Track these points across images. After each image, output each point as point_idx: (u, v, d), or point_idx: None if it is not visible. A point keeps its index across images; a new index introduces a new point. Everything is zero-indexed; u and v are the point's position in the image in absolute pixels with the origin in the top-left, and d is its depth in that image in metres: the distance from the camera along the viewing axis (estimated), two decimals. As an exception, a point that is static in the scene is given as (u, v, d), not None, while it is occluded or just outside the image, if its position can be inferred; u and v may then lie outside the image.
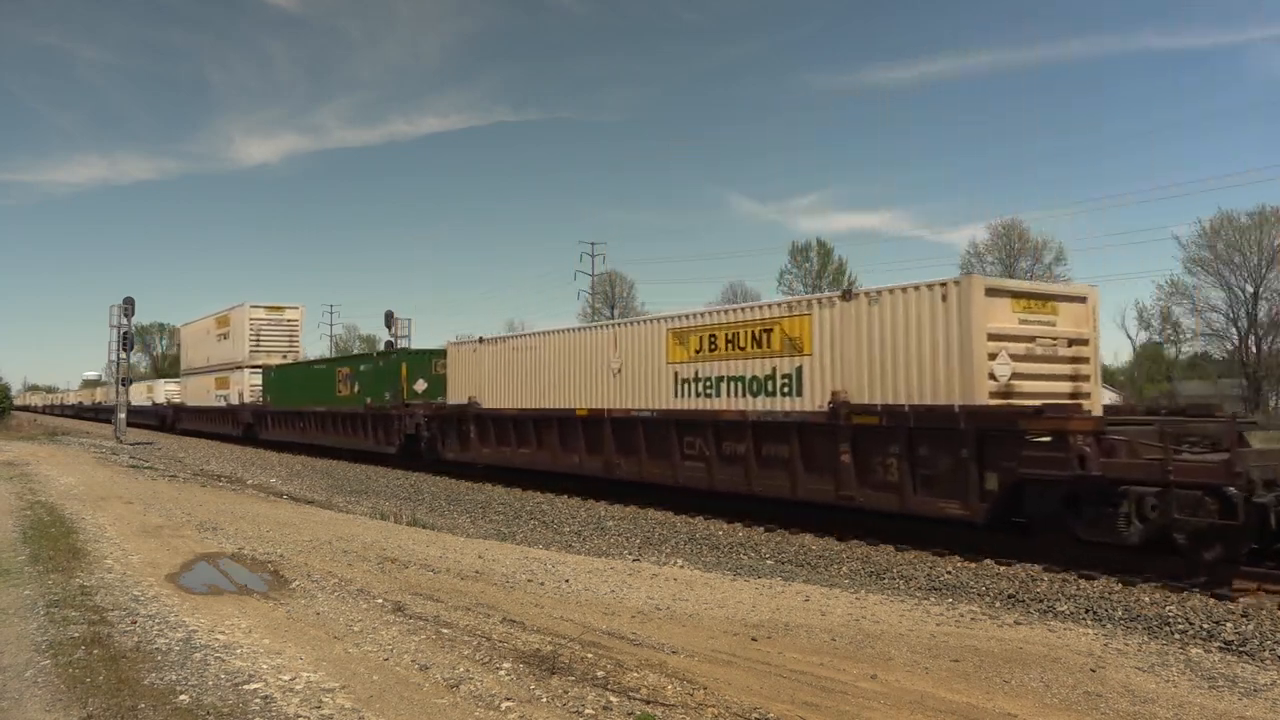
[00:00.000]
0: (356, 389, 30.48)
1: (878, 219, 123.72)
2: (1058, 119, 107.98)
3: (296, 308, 43.61)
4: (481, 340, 22.91)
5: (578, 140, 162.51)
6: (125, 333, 41.45)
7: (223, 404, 44.03)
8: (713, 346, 15.22)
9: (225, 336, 44.54)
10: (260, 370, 40.35)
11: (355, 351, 75.15)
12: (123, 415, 43.05)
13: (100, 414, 79.06)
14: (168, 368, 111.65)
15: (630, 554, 12.49)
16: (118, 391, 43.48)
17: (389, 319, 42.09)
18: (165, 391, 61.74)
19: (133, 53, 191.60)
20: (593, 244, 71.26)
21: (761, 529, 14.16)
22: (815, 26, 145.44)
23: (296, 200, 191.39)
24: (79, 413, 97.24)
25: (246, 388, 40.58)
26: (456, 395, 23.24)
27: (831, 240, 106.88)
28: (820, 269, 64.71)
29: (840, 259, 64.98)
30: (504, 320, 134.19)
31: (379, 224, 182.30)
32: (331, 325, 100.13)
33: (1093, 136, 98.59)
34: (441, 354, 26.07)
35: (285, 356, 41.19)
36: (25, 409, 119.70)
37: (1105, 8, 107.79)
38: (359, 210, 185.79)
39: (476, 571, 9.83)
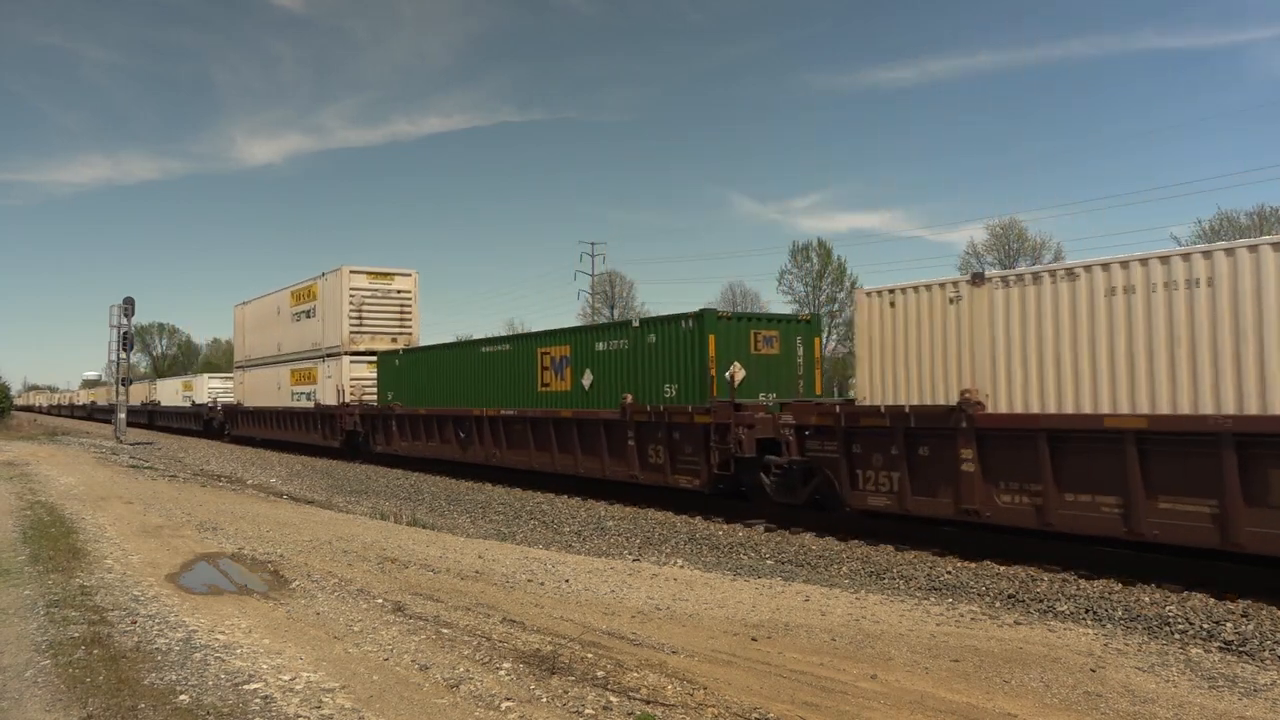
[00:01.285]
0: (587, 379, 18.39)
1: (878, 219, 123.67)
2: (1058, 119, 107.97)
3: (409, 274, 31.51)
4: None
5: (580, 140, 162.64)
6: (125, 333, 41.45)
7: (307, 405, 33.28)
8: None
9: (309, 315, 33.69)
10: (370, 358, 29.75)
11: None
12: (122, 415, 43.04)
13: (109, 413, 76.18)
14: (167, 368, 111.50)
15: (630, 554, 12.49)
16: (117, 391, 43.47)
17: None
18: (210, 389, 50.47)
19: (138, 53, 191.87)
20: (593, 244, 71.30)
21: (762, 529, 14.16)
22: (818, 27, 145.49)
23: (298, 200, 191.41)
24: (90, 413, 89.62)
25: (345, 382, 30.01)
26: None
27: (832, 240, 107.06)
28: (821, 269, 64.70)
29: (840, 259, 64.97)
30: (504, 320, 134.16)
31: (380, 224, 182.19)
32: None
33: (1093, 136, 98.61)
34: (767, 321, 17.13)
35: (395, 340, 30.61)
36: (28, 409, 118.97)
37: (1106, 8, 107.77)
38: (360, 210, 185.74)
39: (476, 571, 9.83)
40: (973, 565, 11.13)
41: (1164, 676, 6.34)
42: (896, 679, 6.07)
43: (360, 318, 30.63)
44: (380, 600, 8.17)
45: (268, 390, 37.86)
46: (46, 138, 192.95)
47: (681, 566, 11.12)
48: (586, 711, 5.22)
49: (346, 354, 30.44)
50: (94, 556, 10.30)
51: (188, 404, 53.78)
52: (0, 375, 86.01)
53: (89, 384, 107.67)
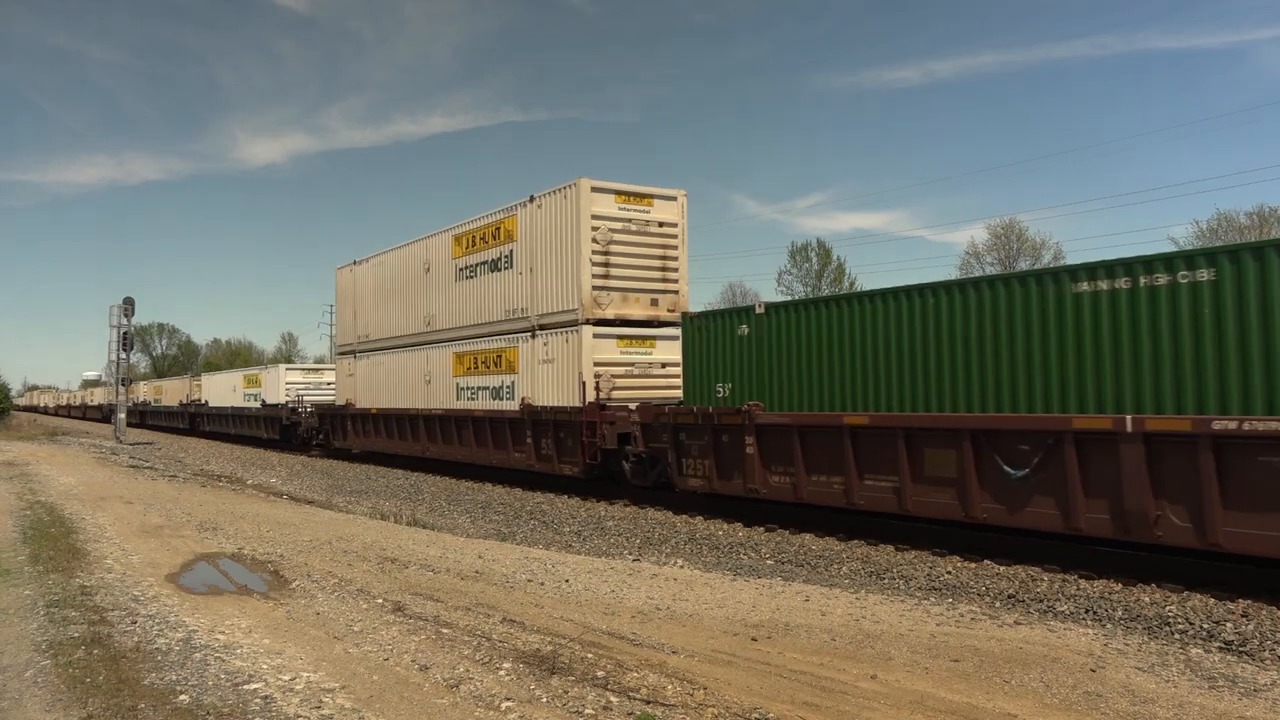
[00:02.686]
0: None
1: (880, 219, 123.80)
2: (1060, 119, 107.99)
3: (672, 196, 19.92)
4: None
5: (582, 140, 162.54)
6: (125, 333, 41.46)
7: (502, 406, 21.21)
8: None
9: (497, 266, 21.73)
10: (623, 330, 19.01)
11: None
12: (122, 415, 43.05)
13: (146, 417, 65.95)
14: (167, 368, 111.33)
15: (630, 554, 12.49)
16: (118, 391, 43.46)
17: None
18: (289, 385, 38.62)
19: (142, 53, 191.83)
20: (594, 244, 70.97)
21: (762, 529, 14.16)
22: (821, 27, 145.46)
23: (300, 200, 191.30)
24: (107, 415, 78.58)
25: (585, 367, 18.41)
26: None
27: (834, 240, 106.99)
28: (820, 269, 64.71)
29: (840, 259, 64.99)
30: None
31: (381, 223, 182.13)
32: (332, 325, 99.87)
33: (1093, 136, 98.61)
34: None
35: (655, 304, 19.37)
36: (31, 409, 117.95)
37: (1108, 8, 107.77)
38: (361, 209, 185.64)
39: (476, 571, 9.83)
40: (973, 565, 11.13)
41: (1164, 676, 6.34)
42: (896, 679, 6.06)
43: (606, 266, 18.58)
44: (380, 600, 8.17)
45: (405, 384, 25.83)
46: (51, 138, 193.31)
47: (681, 566, 11.12)
48: (586, 711, 5.22)
49: (589, 323, 18.40)
50: (94, 556, 10.30)
51: (251, 404, 41.97)
52: (0, 375, 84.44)
53: (89, 384, 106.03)
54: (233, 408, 44.96)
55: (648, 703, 5.39)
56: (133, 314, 41.57)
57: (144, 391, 70.52)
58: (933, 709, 5.44)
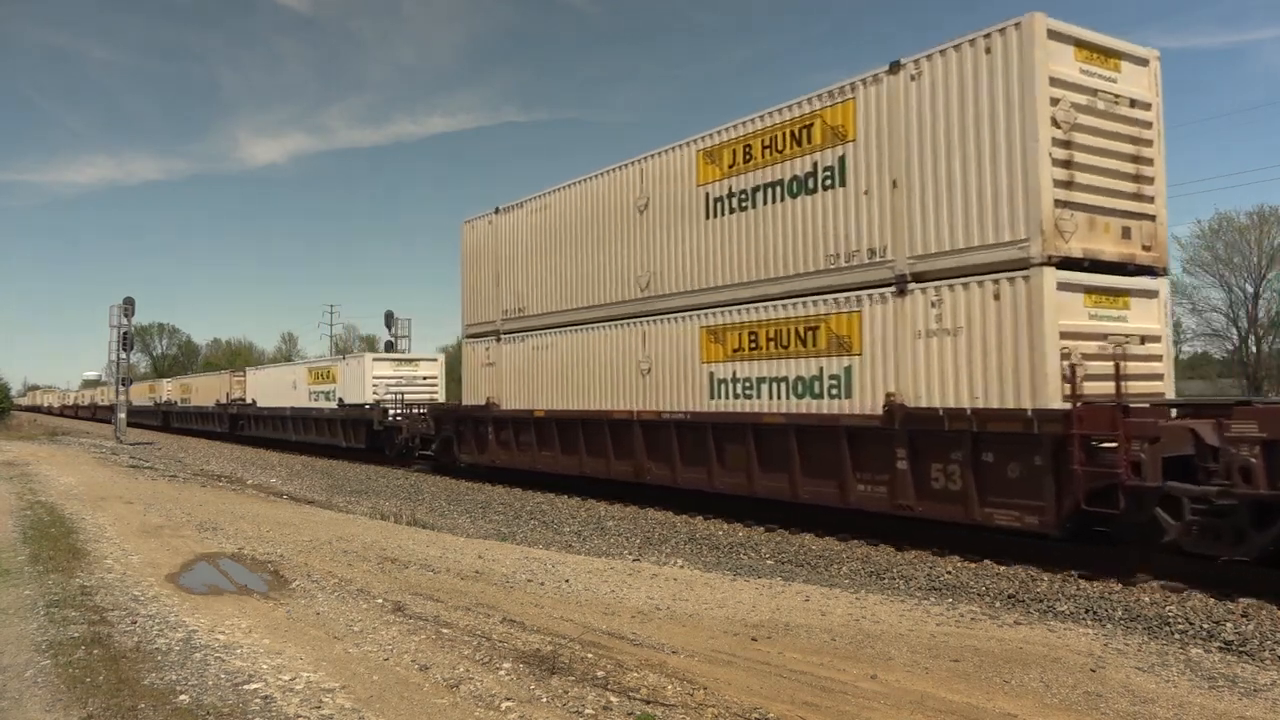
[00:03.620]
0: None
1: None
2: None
3: (1145, 60, 12.06)
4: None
5: (583, 140, 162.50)
6: (125, 333, 41.47)
7: (831, 408, 13.10)
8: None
9: (813, 182, 13.64)
10: (1149, 274, 11.83)
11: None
12: (123, 415, 43.06)
13: (171, 419, 58.39)
14: (168, 368, 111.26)
15: (630, 554, 12.49)
16: (117, 391, 43.47)
17: (389, 319, 42.17)
18: (378, 381, 30.73)
19: (143, 53, 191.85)
20: (595, 243, 70.84)
21: (761, 529, 14.16)
22: (822, 27, 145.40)
23: (301, 200, 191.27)
24: (149, 419, 70.70)
25: (1048, 341, 10.53)
26: None
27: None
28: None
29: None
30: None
31: (381, 223, 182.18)
32: (331, 325, 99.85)
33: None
34: None
35: (1128, 235, 11.69)
36: (34, 409, 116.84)
37: (1110, 8, 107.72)
38: (362, 209, 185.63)
39: (476, 571, 9.83)
40: (973, 565, 11.13)
41: (1164, 676, 6.34)
42: (896, 679, 6.06)
43: (1069, 168, 11.09)
44: (380, 600, 8.17)
45: (596, 376, 18.13)
46: (51, 138, 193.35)
47: (681, 566, 11.12)
48: (586, 711, 5.22)
49: (1050, 265, 10.71)
50: (94, 556, 10.30)
51: (322, 403, 34.06)
52: (0, 375, 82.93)
53: (89, 383, 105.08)
54: (294, 409, 36.31)
55: (648, 703, 5.39)
56: (133, 314, 41.59)
57: (168, 390, 61.84)
58: (933, 709, 5.44)
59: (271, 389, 40.62)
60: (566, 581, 9.36)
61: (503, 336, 21.34)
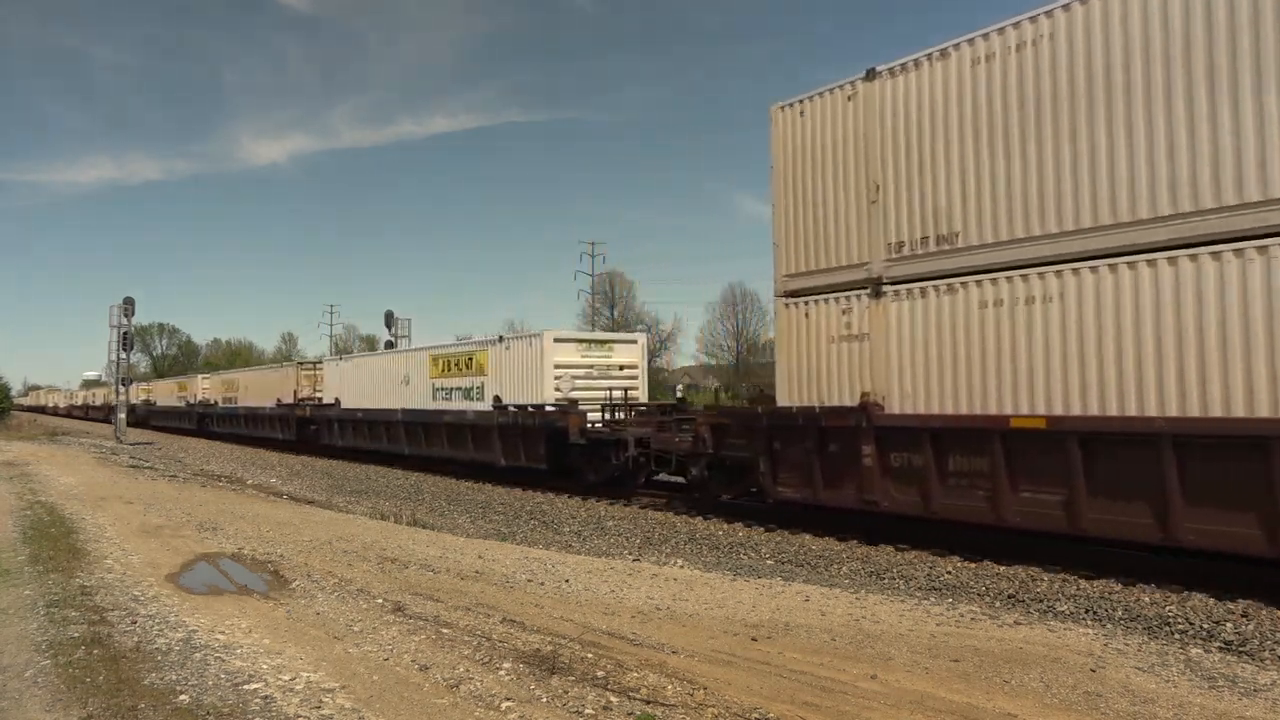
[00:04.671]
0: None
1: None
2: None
3: None
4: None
5: (584, 140, 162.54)
6: (125, 333, 41.49)
7: None
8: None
9: None
10: None
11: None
12: (123, 415, 43.07)
13: (210, 423, 49.58)
14: (168, 368, 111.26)
15: (630, 554, 12.49)
16: (117, 391, 43.49)
17: (389, 319, 42.20)
18: (563, 372, 21.39)
19: (146, 53, 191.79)
20: (592, 244, 70.96)
21: (761, 529, 14.16)
22: (823, 28, 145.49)
23: (302, 200, 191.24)
24: (143, 418, 63.85)
25: None
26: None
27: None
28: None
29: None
30: (504, 320, 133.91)
31: (382, 223, 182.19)
32: (331, 325, 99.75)
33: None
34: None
35: None
36: (37, 410, 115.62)
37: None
38: (362, 210, 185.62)
39: (476, 571, 9.83)
40: (973, 565, 11.13)
41: (1164, 676, 6.34)
42: (896, 679, 6.07)
43: None
44: (380, 600, 8.17)
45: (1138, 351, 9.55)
46: (53, 138, 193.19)
47: (681, 566, 11.12)
48: (586, 711, 5.22)
49: None
50: (94, 556, 10.30)
51: (464, 404, 24.42)
52: (0, 375, 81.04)
53: (89, 383, 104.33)
54: (409, 411, 26.55)
55: (648, 703, 5.39)
56: (133, 314, 41.60)
57: (204, 388, 52.76)
58: (933, 709, 5.44)
59: (366, 385, 30.31)
60: (566, 581, 9.36)
61: (887, 289, 12.37)
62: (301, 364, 39.54)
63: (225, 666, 5.98)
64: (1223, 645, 7.65)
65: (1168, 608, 8.87)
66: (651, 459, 17.46)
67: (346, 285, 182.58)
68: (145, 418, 63.91)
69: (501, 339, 23.59)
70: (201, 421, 50.87)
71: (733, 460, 15.06)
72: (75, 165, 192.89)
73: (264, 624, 7.23)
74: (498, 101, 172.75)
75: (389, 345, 40.87)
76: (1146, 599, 9.26)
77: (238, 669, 5.93)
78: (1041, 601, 9.36)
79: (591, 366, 22.00)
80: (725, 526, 14.67)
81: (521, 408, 21.67)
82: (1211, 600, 9.03)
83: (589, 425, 19.43)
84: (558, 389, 21.23)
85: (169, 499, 16.74)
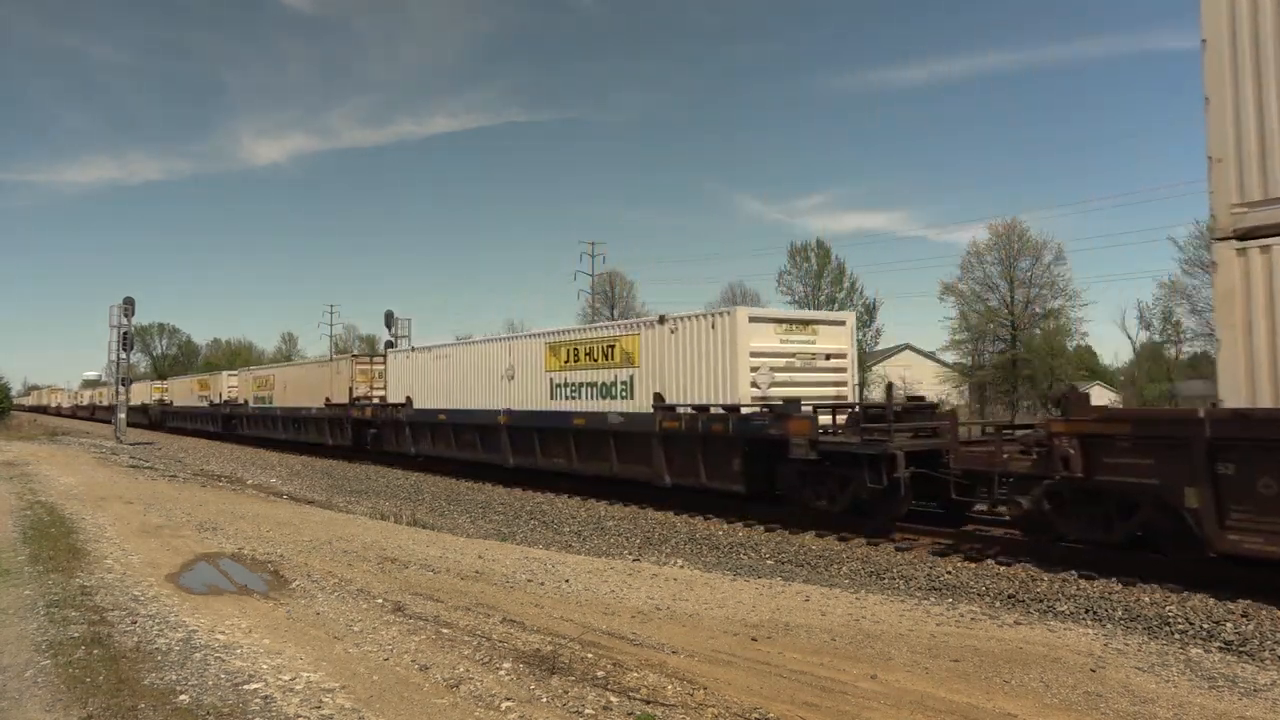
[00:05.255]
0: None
1: (883, 219, 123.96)
2: (1064, 119, 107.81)
3: None
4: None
5: (586, 140, 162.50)
6: (125, 333, 41.47)
7: None
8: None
9: None
10: None
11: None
12: (123, 415, 43.05)
13: (240, 425, 43.27)
14: (168, 368, 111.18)
15: (630, 554, 12.49)
16: (118, 391, 43.48)
17: (389, 319, 42.19)
18: (762, 361, 15.78)
19: (147, 53, 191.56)
20: (592, 244, 70.89)
21: (762, 529, 14.16)
22: (826, 28, 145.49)
23: (302, 200, 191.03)
24: (153, 419, 58.63)
25: None
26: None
27: (836, 241, 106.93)
28: (819, 270, 64.63)
29: (839, 260, 64.82)
30: (504, 320, 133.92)
31: (381, 223, 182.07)
32: (331, 325, 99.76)
33: (1095, 136, 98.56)
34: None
35: None
36: (39, 410, 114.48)
37: (1114, 8, 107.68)
38: (362, 210, 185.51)
39: (476, 571, 9.83)
40: (973, 565, 11.13)
41: (1164, 676, 6.34)
42: (896, 679, 6.06)
43: None
44: (380, 600, 8.17)
45: None
46: (53, 138, 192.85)
47: (681, 566, 11.12)
48: (586, 711, 5.22)
49: None
50: (94, 556, 10.30)
51: (604, 405, 18.71)
52: (0, 375, 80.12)
53: (89, 383, 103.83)
54: (516, 414, 21.37)
55: (648, 703, 5.39)
56: (133, 314, 41.58)
57: (230, 387, 45.96)
58: (933, 709, 5.44)
59: (449, 381, 24.88)
60: (566, 581, 9.36)
61: None
62: (357, 357, 33.98)
63: (225, 666, 5.98)
64: (1223, 645, 7.66)
65: (1168, 608, 8.87)
66: (902, 484, 12.84)
67: (346, 285, 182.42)
68: (160, 419, 58.17)
69: (663, 319, 17.61)
70: (228, 424, 44.88)
71: (1120, 489, 10.24)
72: (75, 165, 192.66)
73: (264, 624, 7.23)
74: (498, 101, 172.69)
75: (389, 345, 40.86)
76: (1146, 599, 9.26)
77: (238, 669, 5.93)
78: (1041, 601, 9.36)
79: (793, 355, 16.51)
80: (725, 526, 14.66)
81: (702, 409, 16.00)
82: (1211, 600, 9.03)
83: (819, 434, 14.09)
84: (754, 384, 15.71)
85: (169, 499, 16.74)
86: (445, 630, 7.07)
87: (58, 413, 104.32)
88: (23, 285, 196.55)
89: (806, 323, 17.27)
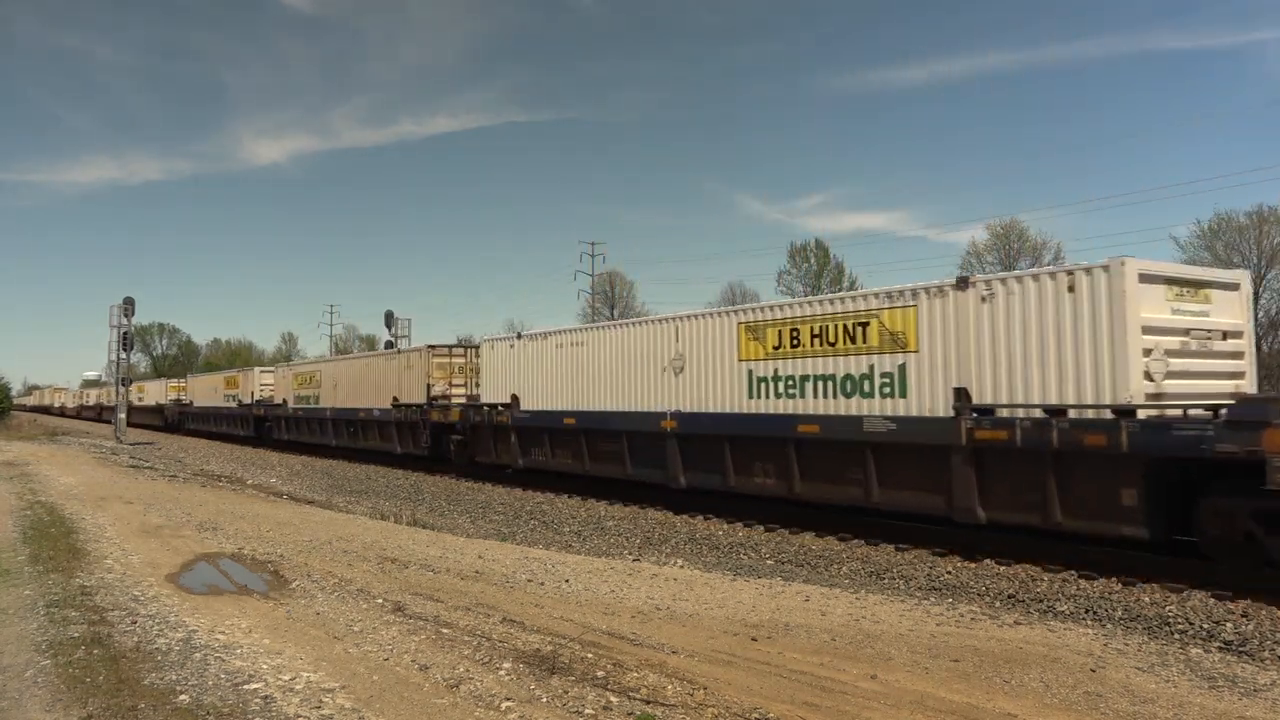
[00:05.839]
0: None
1: (883, 219, 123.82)
2: (1064, 120, 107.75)
3: None
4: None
5: (586, 140, 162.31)
6: (125, 333, 41.46)
7: None
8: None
9: None
10: None
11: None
12: (123, 415, 43.05)
13: (279, 429, 37.75)
14: (168, 368, 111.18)
15: (630, 554, 12.49)
16: (118, 391, 43.47)
17: (389, 319, 42.20)
18: (1152, 332, 10.41)
19: (148, 53, 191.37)
20: (592, 244, 70.92)
21: (762, 529, 14.16)
22: (826, 28, 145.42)
23: (302, 200, 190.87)
24: (169, 420, 54.23)
25: None
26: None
27: (836, 241, 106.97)
28: (819, 270, 64.67)
29: (839, 259, 64.87)
30: (504, 321, 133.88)
31: (381, 223, 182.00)
32: (331, 325, 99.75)
33: (1095, 136, 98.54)
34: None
35: None
36: (41, 410, 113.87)
37: (1114, 7, 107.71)
38: (361, 210, 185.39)
39: (476, 571, 9.83)
40: (973, 565, 11.13)
41: (1164, 676, 6.34)
42: (896, 679, 6.06)
43: None
44: (380, 600, 8.17)
45: None
46: (54, 138, 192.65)
47: (681, 566, 11.12)
48: (586, 711, 5.22)
49: None
50: (94, 556, 10.30)
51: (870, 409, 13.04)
52: (0, 375, 79.51)
53: (90, 383, 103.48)
54: (688, 416, 16.27)
55: (648, 703, 5.39)
56: (133, 314, 41.58)
57: (263, 385, 41.09)
58: (933, 709, 5.44)
59: (575, 376, 19.67)
60: (566, 581, 9.36)
61: None
62: (435, 349, 27.23)
63: (225, 666, 5.98)
64: (1223, 645, 7.66)
65: (1168, 608, 8.87)
66: None
67: (346, 285, 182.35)
68: (178, 421, 52.50)
69: (967, 281, 12.24)
70: (262, 427, 39.76)
71: None
72: (76, 165, 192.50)
73: (264, 624, 7.23)
74: (498, 102, 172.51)
75: (389, 345, 40.84)
76: (1146, 599, 9.26)
77: (238, 669, 5.93)
78: (1041, 601, 9.36)
79: (1185, 332, 11.36)
80: (725, 527, 14.66)
81: (1055, 412, 10.79)
82: (1211, 600, 9.03)
83: None
84: (1148, 374, 10.75)
85: (169, 499, 16.74)
86: (445, 630, 7.07)
87: (61, 413, 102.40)
88: (23, 285, 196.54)
89: (1199, 285, 11.84)
